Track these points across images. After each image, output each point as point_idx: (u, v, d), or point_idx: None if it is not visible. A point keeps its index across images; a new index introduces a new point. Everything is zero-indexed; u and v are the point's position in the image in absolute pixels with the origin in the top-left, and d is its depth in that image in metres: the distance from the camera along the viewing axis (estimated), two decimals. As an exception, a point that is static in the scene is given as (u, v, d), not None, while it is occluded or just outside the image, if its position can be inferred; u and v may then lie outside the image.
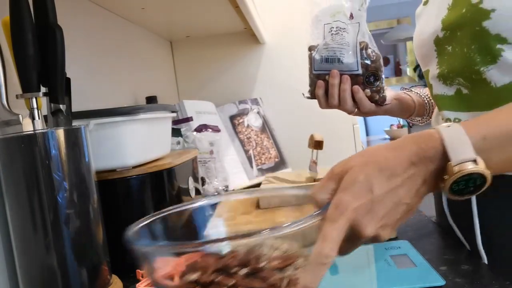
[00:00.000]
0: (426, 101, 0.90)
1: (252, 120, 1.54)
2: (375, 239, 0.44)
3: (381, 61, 0.70)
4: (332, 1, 0.71)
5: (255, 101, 1.61)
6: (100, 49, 1.06)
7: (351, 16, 0.70)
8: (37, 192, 0.55)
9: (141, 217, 0.43)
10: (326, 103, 0.79)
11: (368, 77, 0.71)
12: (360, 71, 0.71)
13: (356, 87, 0.73)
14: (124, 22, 1.24)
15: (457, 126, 0.44)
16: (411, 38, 4.55)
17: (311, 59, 0.74)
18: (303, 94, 0.78)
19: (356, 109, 0.79)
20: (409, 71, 5.48)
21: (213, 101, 1.54)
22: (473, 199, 0.67)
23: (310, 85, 0.79)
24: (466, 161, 0.42)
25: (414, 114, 0.90)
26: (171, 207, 0.47)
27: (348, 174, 0.43)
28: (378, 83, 0.69)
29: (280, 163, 1.51)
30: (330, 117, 1.68)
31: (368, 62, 0.71)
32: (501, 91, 0.62)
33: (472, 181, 0.44)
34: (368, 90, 0.70)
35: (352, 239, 0.42)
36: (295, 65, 1.68)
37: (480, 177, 0.43)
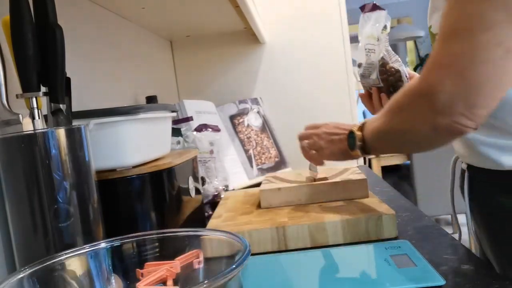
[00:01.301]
0: None
1: (252, 120, 1.54)
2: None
3: (401, 73, 0.83)
4: (368, 27, 0.88)
5: (255, 101, 1.61)
6: (100, 49, 1.06)
7: (378, 39, 0.85)
8: (37, 192, 0.55)
9: (141, 216, 0.43)
10: (370, 107, 0.98)
11: (388, 88, 0.85)
12: (381, 84, 0.86)
13: (382, 95, 0.89)
14: (124, 22, 1.24)
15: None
16: (411, 38, 4.55)
17: (358, 73, 0.94)
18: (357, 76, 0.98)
19: None
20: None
21: (213, 101, 1.54)
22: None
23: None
24: (354, 126, 0.74)
25: None
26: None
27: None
28: None
29: (280, 163, 1.51)
30: (331, 116, 1.68)
31: (386, 76, 0.85)
32: None
33: (351, 138, 0.73)
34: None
35: None
36: (295, 65, 1.68)
37: (354, 137, 0.72)
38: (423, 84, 0.56)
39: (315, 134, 0.84)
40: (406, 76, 0.86)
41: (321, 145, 0.82)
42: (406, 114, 0.61)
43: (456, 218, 0.87)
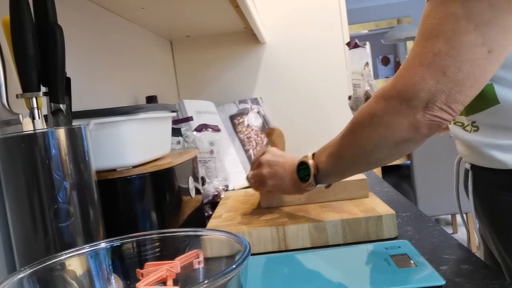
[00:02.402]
0: None
1: (252, 120, 1.54)
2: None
3: None
4: (354, 64, 0.95)
5: (255, 101, 1.61)
6: (100, 49, 1.06)
7: (362, 74, 0.90)
8: (37, 192, 0.55)
9: (141, 216, 0.43)
10: None
11: None
12: None
13: None
14: (124, 22, 1.24)
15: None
16: (411, 38, 4.55)
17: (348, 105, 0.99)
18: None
19: None
20: (409, 71, 5.47)
21: (213, 101, 1.54)
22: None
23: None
24: (304, 156, 0.73)
25: None
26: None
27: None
28: None
29: (280, 163, 1.51)
30: (330, 117, 1.68)
31: None
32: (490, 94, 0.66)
33: (302, 168, 0.73)
34: None
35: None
36: (295, 65, 1.68)
37: (307, 165, 0.71)
38: (399, 84, 0.57)
39: (258, 174, 0.83)
40: None
41: (263, 178, 0.81)
42: (378, 119, 0.60)
43: (463, 218, 0.87)
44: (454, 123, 0.74)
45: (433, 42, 0.55)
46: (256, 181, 0.84)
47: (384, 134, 0.60)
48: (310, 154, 0.73)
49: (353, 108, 0.97)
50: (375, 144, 0.62)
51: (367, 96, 0.92)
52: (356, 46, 0.96)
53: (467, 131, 0.71)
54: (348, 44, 0.97)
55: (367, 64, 0.94)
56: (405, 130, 0.58)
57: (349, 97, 0.99)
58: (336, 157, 0.68)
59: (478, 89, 0.56)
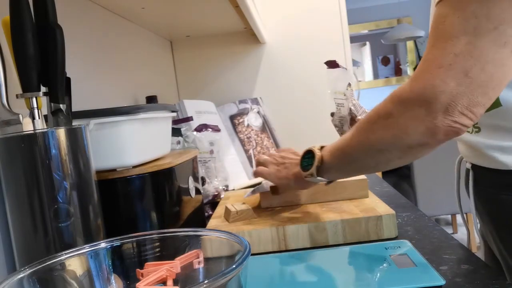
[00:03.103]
0: None
1: (252, 120, 1.53)
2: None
3: None
4: (334, 83, 0.94)
5: (255, 101, 1.61)
6: (100, 49, 1.06)
7: (345, 95, 0.90)
8: (37, 192, 0.55)
9: (141, 216, 0.43)
10: None
11: None
12: None
13: None
14: (124, 22, 1.24)
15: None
16: (411, 38, 4.55)
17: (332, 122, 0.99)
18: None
19: None
20: (409, 70, 5.48)
21: (213, 101, 1.54)
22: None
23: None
24: (313, 147, 0.71)
25: None
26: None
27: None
28: None
29: (280, 163, 1.51)
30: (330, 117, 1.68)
31: None
32: None
33: (307, 157, 0.71)
34: None
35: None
36: (295, 65, 1.68)
37: (313, 154, 0.70)
38: (418, 87, 0.55)
39: (270, 156, 0.84)
40: None
41: (273, 166, 0.81)
42: (394, 120, 0.58)
43: (464, 218, 0.87)
44: None
45: (454, 43, 0.53)
46: (264, 161, 0.83)
47: (398, 136, 0.58)
48: (318, 145, 0.71)
49: (337, 126, 0.97)
50: (387, 145, 0.60)
51: (352, 116, 0.92)
52: (335, 66, 0.94)
53: (469, 132, 0.71)
54: (327, 63, 0.95)
55: (349, 84, 0.93)
56: (421, 135, 0.55)
57: (332, 114, 0.99)
58: (343, 152, 0.67)
59: (500, 90, 0.54)
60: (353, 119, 0.92)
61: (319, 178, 0.71)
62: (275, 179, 0.81)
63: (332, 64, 0.95)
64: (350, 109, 0.92)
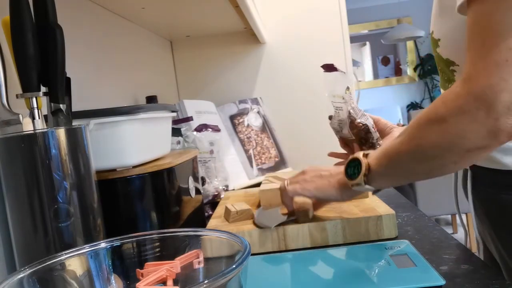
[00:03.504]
0: None
1: (252, 120, 1.54)
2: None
3: (368, 126, 0.90)
4: (332, 86, 0.94)
5: (255, 101, 1.61)
6: (100, 49, 1.06)
7: (343, 98, 0.91)
8: (37, 192, 0.55)
9: (141, 216, 0.43)
10: (350, 151, 0.98)
11: (360, 141, 0.92)
12: (353, 137, 0.93)
13: (355, 146, 0.95)
14: (124, 22, 1.24)
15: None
16: (411, 38, 4.55)
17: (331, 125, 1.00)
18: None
19: None
20: (409, 70, 5.47)
21: (213, 101, 1.54)
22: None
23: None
24: (358, 155, 0.67)
25: None
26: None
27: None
28: (367, 144, 0.90)
29: (280, 163, 1.51)
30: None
31: (356, 131, 0.92)
32: None
33: (352, 165, 0.68)
34: (365, 148, 0.91)
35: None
36: (295, 65, 1.68)
37: (359, 161, 0.66)
38: (474, 88, 0.52)
39: (299, 176, 0.77)
40: (373, 127, 0.91)
41: (305, 179, 0.75)
42: (450, 126, 0.54)
43: (461, 219, 0.87)
44: None
45: (505, 37, 0.50)
46: (296, 182, 0.76)
47: (455, 141, 0.55)
48: (362, 153, 0.68)
49: (336, 129, 0.96)
50: (442, 151, 0.56)
51: (351, 119, 0.92)
52: (333, 69, 0.91)
53: None
54: (324, 66, 0.92)
55: (348, 88, 0.92)
56: (482, 138, 0.53)
57: (330, 117, 0.98)
58: (392, 160, 0.63)
59: None
60: (352, 122, 0.92)
61: (367, 186, 0.67)
62: (314, 190, 0.74)
63: (329, 68, 0.93)
64: (349, 112, 0.92)
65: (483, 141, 0.53)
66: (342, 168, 0.71)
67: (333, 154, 0.99)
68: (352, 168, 0.68)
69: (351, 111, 0.92)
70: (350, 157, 0.69)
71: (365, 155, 0.67)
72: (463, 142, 0.54)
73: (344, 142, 0.98)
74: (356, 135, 0.94)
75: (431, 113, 0.57)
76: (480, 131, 0.52)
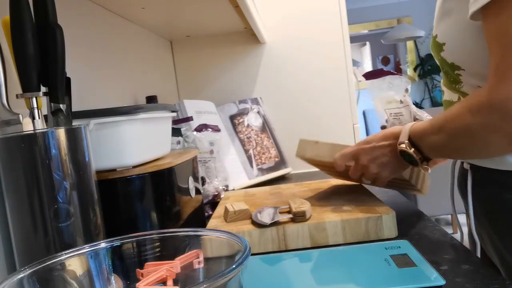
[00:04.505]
0: None
1: (252, 120, 1.54)
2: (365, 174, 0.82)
3: None
4: (384, 92, 0.92)
5: (255, 101, 1.61)
6: (100, 49, 1.06)
7: (401, 101, 0.88)
8: (37, 192, 0.55)
9: (141, 216, 0.43)
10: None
11: None
12: None
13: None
14: (124, 22, 1.24)
15: (410, 125, 0.73)
16: (411, 38, 4.55)
17: None
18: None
19: None
20: (409, 70, 5.47)
21: (213, 101, 1.54)
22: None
23: None
24: (401, 143, 0.72)
25: None
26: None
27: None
28: None
29: (280, 163, 1.51)
30: (331, 117, 1.68)
31: None
32: None
33: (406, 155, 0.73)
34: None
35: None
36: (295, 65, 1.68)
37: (409, 154, 0.72)
38: (497, 98, 0.53)
39: (358, 166, 0.81)
40: None
41: (366, 166, 0.80)
42: (475, 134, 0.58)
43: (457, 218, 0.87)
44: None
45: None
46: (361, 173, 0.82)
47: (482, 148, 0.60)
48: (405, 142, 0.71)
49: None
50: (474, 154, 0.65)
51: (417, 121, 0.88)
52: (381, 74, 0.89)
53: None
54: (367, 75, 0.89)
55: (406, 90, 0.90)
56: (504, 148, 0.56)
57: (383, 127, 0.95)
58: (438, 148, 0.68)
59: None
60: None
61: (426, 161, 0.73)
62: (390, 174, 0.80)
63: (376, 74, 0.89)
64: (415, 115, 0.87)
65: (507, 150, 0.58)
66: (382, 138, 0.77)
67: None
68: (407, 157, 0.73)
69: (418, 112, 0.87)
70: (398, 150, 0.74)
71: (410, 144, 0.71)
72: (487, 150, 0.59)
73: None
74: None
75: (458, 121, 0.61)
76: (503, 141, 0.55)
